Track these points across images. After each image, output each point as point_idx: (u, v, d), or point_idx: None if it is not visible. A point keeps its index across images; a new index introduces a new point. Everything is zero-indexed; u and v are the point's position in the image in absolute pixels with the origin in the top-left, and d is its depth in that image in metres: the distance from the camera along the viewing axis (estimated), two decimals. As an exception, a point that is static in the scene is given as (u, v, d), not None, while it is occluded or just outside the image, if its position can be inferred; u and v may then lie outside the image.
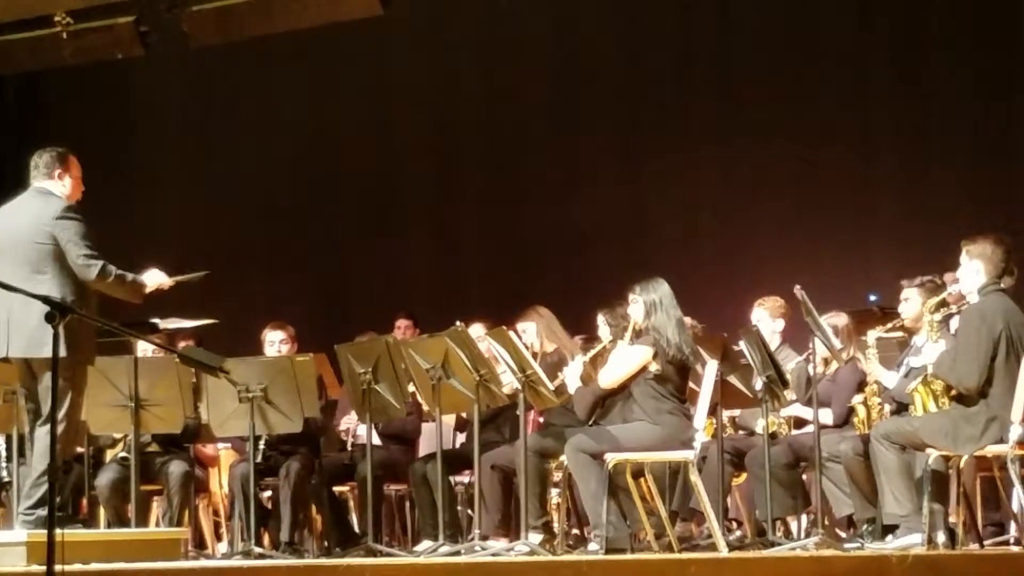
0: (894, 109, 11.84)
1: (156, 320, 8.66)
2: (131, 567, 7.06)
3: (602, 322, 8.86)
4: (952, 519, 7.70)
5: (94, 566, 6.90)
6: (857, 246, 11.65)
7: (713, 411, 8.40)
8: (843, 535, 8.57)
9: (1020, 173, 11.34)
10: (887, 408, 8.38)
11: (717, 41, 12.47)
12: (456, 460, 9.03)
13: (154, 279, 7.80)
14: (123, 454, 8.96)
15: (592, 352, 8.51)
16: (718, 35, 12.47)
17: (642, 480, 8.43)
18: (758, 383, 8.26)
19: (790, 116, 12.05)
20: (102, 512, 9.05)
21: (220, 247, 12.93)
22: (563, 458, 8.18)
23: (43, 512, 7.18)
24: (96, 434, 8.94)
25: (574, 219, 12.62)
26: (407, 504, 9.90)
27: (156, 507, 9.30)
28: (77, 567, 6.66)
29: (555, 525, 8.60)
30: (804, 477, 8.75)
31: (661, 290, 8.14)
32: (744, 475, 8.91)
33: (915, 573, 6.49)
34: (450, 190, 13.35)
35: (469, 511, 9.14)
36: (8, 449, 9.02)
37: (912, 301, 8.36)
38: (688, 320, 8.97)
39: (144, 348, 9.04)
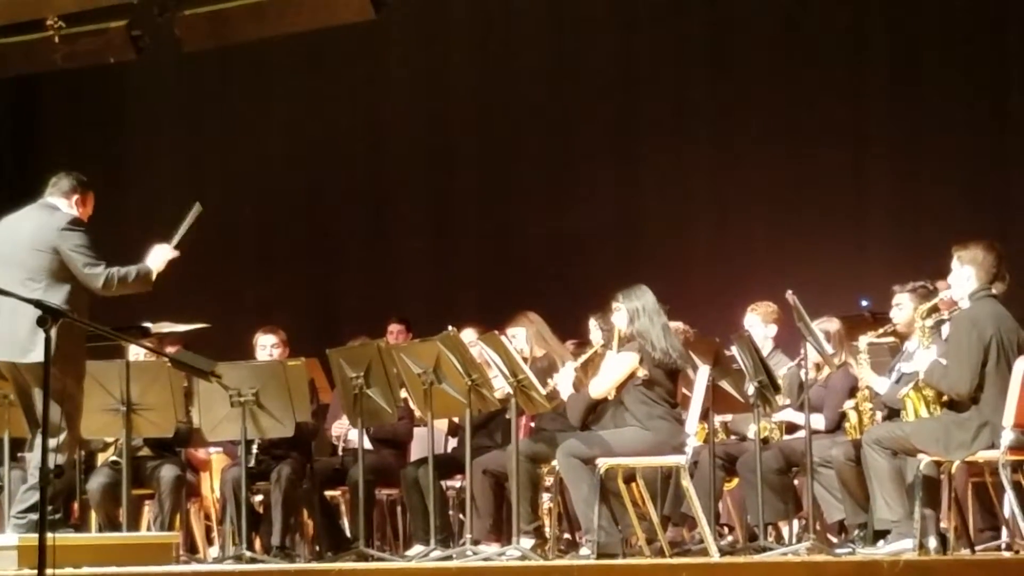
0: (888, 113, 11.85)
1: (148, 324, 8.66)
2: (122, 571, 7.06)
3: (594, 327, 8.88)
4: (943, 524, 7.70)
5: (85, 570, 6.90)
6: (849, 251, 11.65)
7: (705, 416, 8.41)
8: (834, 540, 8.57)
9: (1014, 178, 11.35)
10: (879, 414, 8.38)
11: (712, 44, 12.47)
12: (448, 465, 9.02)
13: (158, 259, 7.76)
14: (114, 458, 8.93)
15: (583, 357, 8.52)
16: (713, 39, 12.47)
17: (633, 485, 8.44)
18: (750, 388, 8.27)
19: (784, 120, 12.05)
20: (93, 516, 9.03)
21: (212, 251, 12.91)
22: (555, 463, 8.18)
23: (35, 516, 7.18)
24: (87, 438, 8.90)
25: (568, 223, 12.62)
26: (398, 509, 9.89)
27: (147, 511, 9.28)
28: (68, 571, 6.65)
29: (547, 530, 8.61)
30: (796, 482, 8.76)
31: (644, 297, 8.17)
32: (736, 480, 8.91)
33: (906, 578, 6.49)
34: (443, 194, 13.34)
35: (460, 516, 9.14)
36: (-1, 453, 9.02)
37: (904, 307, 8.37)
38: (680, 325, 9.00)
39: (136, 352, 9.03)
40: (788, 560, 7.65)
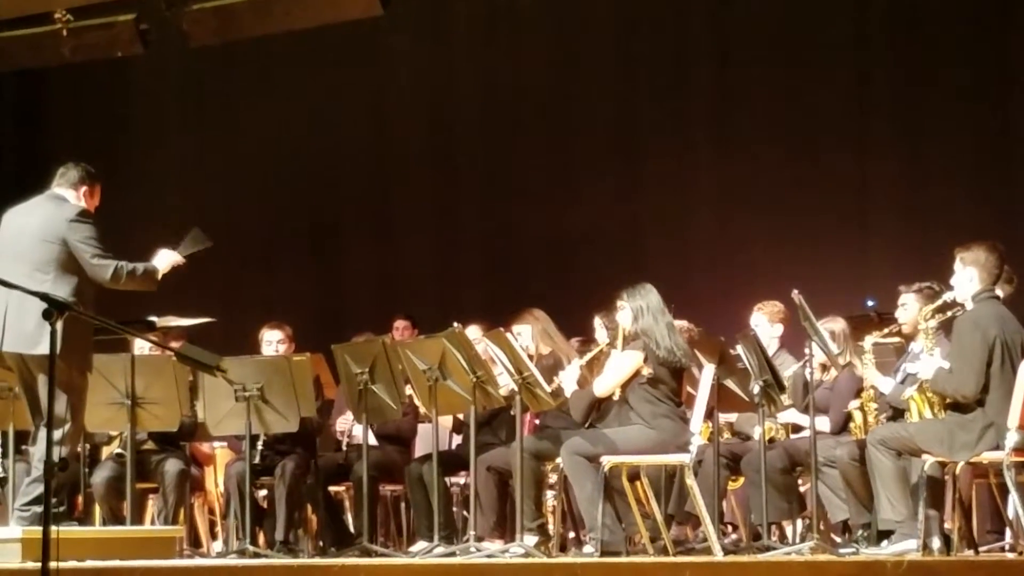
0: (892, 114, 11.84)
1: (153, 318, 8.67)
2: (126, 565, 7.06)
3: (599, 325, 8.89)
4: (947, 525, 7.70)
5: (89, 563, 6.91)
6: (855, 251, 11.64)
7: (709, 415, 8.41)
8: (838, 540, 8.56)
9: (1019, 178, 11.34)
10: (883, 414, 8.38)
11: (715, 45, 12.46)
12: (452, 461, 9.03)
13: (165, 261, 7.83)
14: (119, 451, 8.95)
15: (589, 356, 8.52)
16: (716, 39, 12.47)
17: (638, 483, 8.45)
18: (755, 388, 8.26)
19: (787, 121, 12.05)
20: (97, 509, 9.04)
21: (218, 246, 12.89)
22: (559, 460, 8.19)
23: (39, 509, 7.19)
24: (92, 431, 8.93)
25: (572, 221, 12.61)
26: (402, 505, 9.90)
27: (151, 505, 9.29)
28: (72, 564, 6.66)
29: (550, 527, 8.61)
30: (800, 482, 8.76)
31: (648, 296, 8.17)
32: (740, 479, 8.90)
33: (910, 579, 6.49)
34: (448, 192, 13.34)
35: (464, 512, 9.14)
36: (3, 445, 9.02)
37: (909, 307, 8.36)
38: (685, 323, 8.99)
39: (141, 346, 9.04)
40: (791, 560, 7.64)
